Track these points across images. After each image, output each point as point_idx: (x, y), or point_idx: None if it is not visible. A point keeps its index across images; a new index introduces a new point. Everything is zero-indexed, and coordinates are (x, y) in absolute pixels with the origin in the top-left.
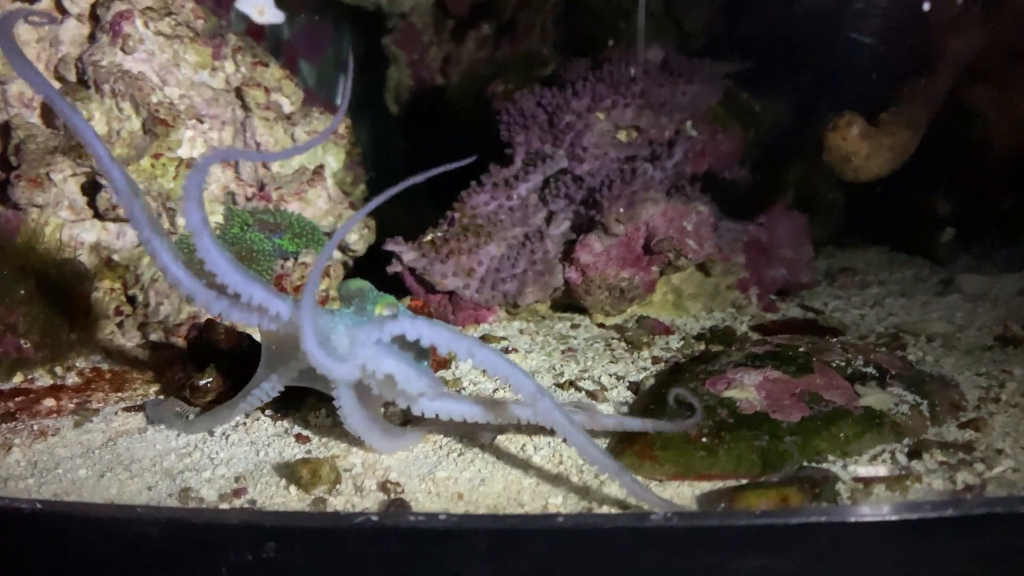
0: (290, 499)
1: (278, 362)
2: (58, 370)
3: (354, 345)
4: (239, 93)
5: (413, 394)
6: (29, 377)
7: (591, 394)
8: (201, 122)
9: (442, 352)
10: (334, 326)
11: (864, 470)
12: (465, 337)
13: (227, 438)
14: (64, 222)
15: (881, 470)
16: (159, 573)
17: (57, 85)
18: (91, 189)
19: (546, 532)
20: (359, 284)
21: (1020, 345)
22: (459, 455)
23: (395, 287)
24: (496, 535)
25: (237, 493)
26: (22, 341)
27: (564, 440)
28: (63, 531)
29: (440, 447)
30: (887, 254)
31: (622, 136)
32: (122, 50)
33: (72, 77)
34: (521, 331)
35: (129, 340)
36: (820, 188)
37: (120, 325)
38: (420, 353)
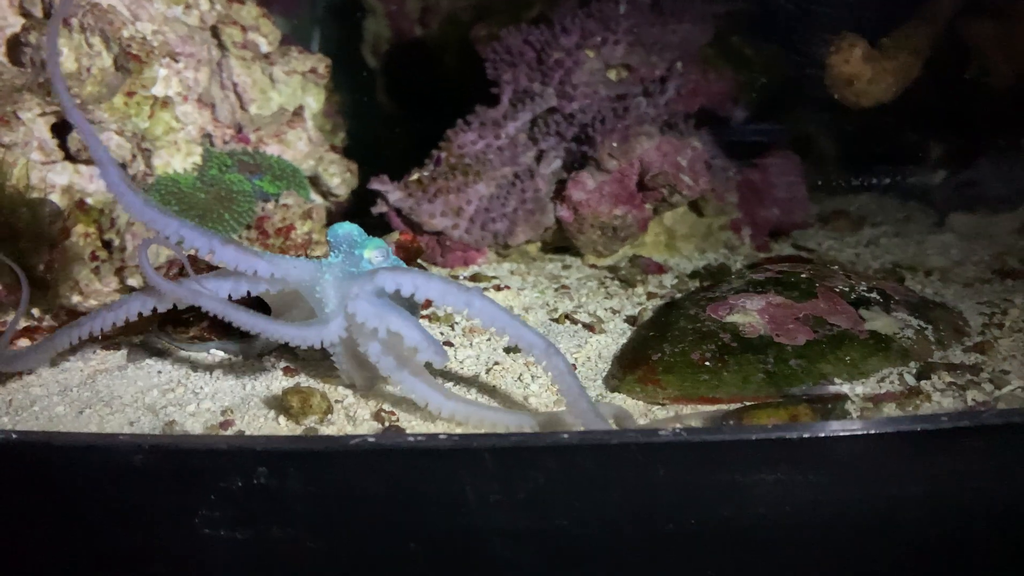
0: (279, 430)
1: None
2: (34, 312)
3: (345, 300)
4: (215, 31)
5: (419, 362)
6: (1, 320)
7: (588, 326)
8: (176, 60)
9: (439, 304)
10: (321, 277)
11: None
12: (464, 288)
13: (211, 372)
14: (33, 163)
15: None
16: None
17: (22, 20)
18: (61, 129)
19: (553, 449)
20: (347, 228)
21: (1020, 277)
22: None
23: (381, 229)
24: (498, 454)
25: (224, 426)
26: None
27: (564, 396)
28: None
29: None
30: (879, 198)
31: (612, 75)
32: None
33: (39, 12)
34: (512, 272)
35: (106, 285)
36: (811, 134)
37: (96, 271)
38: (411, 304)
